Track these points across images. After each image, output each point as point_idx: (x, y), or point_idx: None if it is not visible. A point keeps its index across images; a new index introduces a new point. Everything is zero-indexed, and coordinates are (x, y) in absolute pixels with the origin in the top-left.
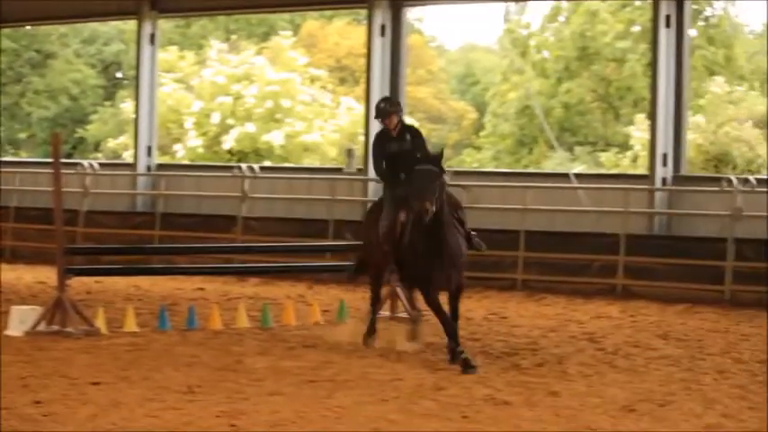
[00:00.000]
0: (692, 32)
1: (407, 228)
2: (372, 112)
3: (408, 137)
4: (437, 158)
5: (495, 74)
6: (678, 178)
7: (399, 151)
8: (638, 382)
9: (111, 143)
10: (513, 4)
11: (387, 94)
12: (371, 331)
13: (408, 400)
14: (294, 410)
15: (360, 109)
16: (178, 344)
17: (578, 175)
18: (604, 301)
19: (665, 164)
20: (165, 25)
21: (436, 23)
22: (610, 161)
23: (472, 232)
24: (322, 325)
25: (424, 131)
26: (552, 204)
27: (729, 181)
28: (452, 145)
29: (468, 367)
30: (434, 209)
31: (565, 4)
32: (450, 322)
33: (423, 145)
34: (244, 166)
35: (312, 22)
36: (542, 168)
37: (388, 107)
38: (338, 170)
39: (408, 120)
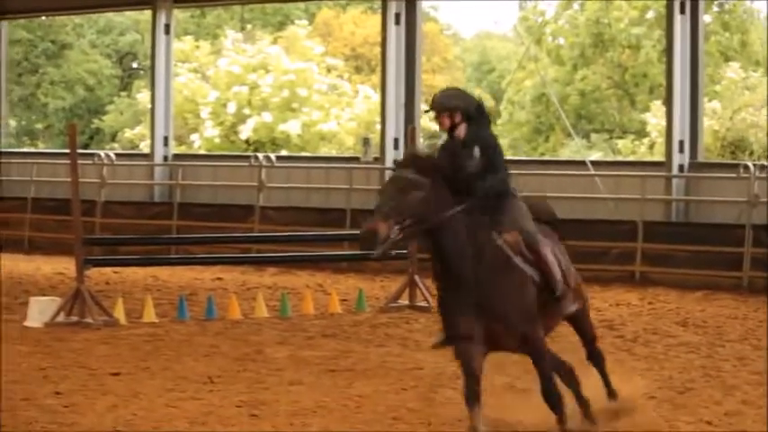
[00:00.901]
0: (706, 18)
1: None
2: (388, 101)
3: (477, 150)
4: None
5: (510, 61)
6: (695, 165)
7: (460, 171)
8: (658, 370)
9: (128, 133)
10: None
11: (402, 82)
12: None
13: (428, 388)
14: (314, 400)
15: (376, 98)
16: (197, 334)
17: (595, 163)
18: (623, 288)
19: (681, 150)
20: (181, 15)
21: (451, 12)
22: (626, 148)
23: (558, 290)
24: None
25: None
26: (569, 192)
27: (746, 167)
28: None
29: None
30: (396, 233)
31: None
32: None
33: (496, 160)
34: (260, 155)
35: (327, 10)
36: (559, 156)
37: (442, 101)
38: (355, 159)
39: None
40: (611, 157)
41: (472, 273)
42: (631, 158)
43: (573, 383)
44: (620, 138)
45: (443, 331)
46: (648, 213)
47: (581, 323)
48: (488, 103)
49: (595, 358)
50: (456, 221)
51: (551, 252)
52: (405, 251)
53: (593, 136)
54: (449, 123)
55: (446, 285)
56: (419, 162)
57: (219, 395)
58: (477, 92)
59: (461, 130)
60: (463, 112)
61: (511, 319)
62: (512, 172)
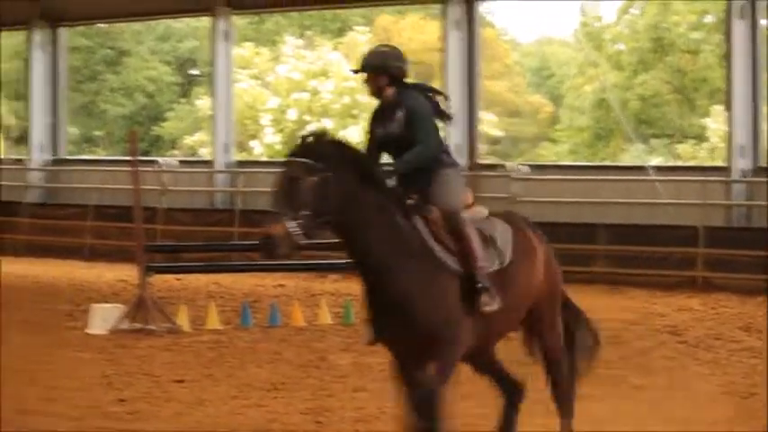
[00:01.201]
0: (764, 22)
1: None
2: (449, 107)
3: (401, 114)
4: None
5: (570, 67)
6: (756, 170)
7: (384, 136)
8: (721, 375)
9: (188, 140)
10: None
11: (463, 88)
12: None
13: (491, 395)
14: (378, 406)
15: None
16: (261, 341)
17: (656, 168)
18: (684, 293)
19: (742, 155)
20: (239, 22)
21: (509, 16)
22: (687, 153)
23: (479, 280)
24: None
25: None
26: (630, 197)
27: None
28: (530, 139)
29: None
30: (297, 230)
31: None
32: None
33: (420, 128)
34: None
35: (386, 16)
36: (619, 161)
37: (365, 60)
38: None
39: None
40: (671, 162)
41: (390, 269)
42: (692, 163)
43: (512, 402)
44: (681, 142)
45: (372, 330)
46: (709, 218)
47: (535, 324)
48: (548, 108)
49: (554, 379)
50: (366, 208)
51: (477, 233)
52: None
53: (654, 141)
54: (374, 86)
55: (367, 285)
56: (312, 145)
57: (284, 402)
58: (537, 97)
59: (389, 94)
60: (387, 72)
61: (428, 325)
62: (573, 177)
